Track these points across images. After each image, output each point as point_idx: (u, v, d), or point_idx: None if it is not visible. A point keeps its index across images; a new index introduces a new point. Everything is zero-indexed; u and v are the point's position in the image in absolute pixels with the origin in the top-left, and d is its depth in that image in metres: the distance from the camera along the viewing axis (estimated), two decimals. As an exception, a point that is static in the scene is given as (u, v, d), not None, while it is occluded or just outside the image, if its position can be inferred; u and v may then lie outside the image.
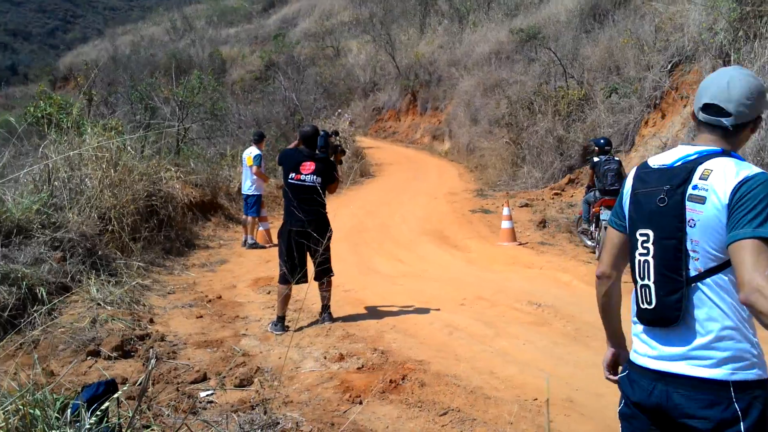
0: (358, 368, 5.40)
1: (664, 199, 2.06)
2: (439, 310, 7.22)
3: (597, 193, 9.98)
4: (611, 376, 2.47)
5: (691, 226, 2.01)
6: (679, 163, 2.10)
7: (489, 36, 26.03)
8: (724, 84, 2.10)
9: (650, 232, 2.09)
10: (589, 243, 10.39)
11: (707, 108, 2.13)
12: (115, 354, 5.46)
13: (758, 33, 10.17)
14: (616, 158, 10.22)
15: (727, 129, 2.10)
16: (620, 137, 13.90)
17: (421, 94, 29.36)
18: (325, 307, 6.78)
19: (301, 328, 6.56)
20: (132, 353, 5.66)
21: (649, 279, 2.09)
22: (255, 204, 11.04)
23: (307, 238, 6.22)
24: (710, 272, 2.01)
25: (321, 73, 31.79)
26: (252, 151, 11.06)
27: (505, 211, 11.33)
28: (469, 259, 10.27)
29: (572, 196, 13.97)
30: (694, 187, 2.01)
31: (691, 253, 2.02)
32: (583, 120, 15.80)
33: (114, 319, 6.32)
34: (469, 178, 19.16)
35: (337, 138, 17.24)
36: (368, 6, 42.51)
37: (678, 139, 11.17)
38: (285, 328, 6.51)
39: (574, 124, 16.02)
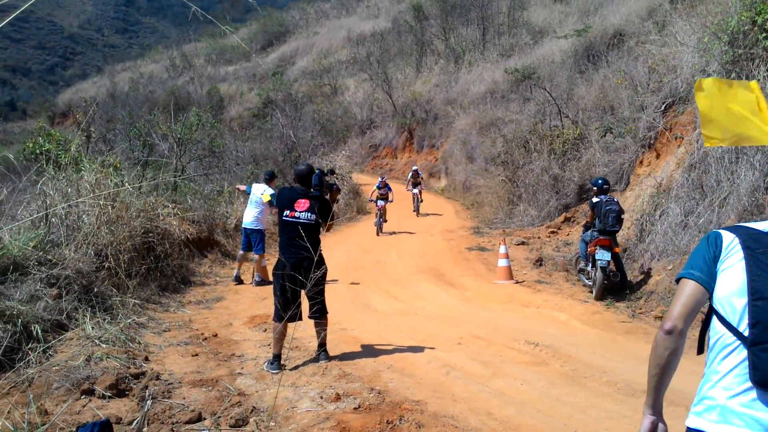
0: (355, 408, 5.34)
1: None
2: (435, 348, 7.18)
3: (595, 233, 10.05)
4: None
5: None
6: None
7: (484, 75, 26.40)
8: None
9: None
10: (586, 282, 10.41)
11: None
12: (109, 393, 5.39)
13: (750, 75, 10.30)
14: (615, 199, 10.34)
15: None
16: (615, 176, 14.00)
17: (417, 132, 29.61)
18: (321, 346, 6.74)
19: (297, 367, 6.51)
20: (126, 392, 5.59)
21: None
22: (261, 240, 11.03)
23: (301, 275, 6.21)
24: None
25: (318, 111, 32.10)
26: (267, 189, 11.04)
27: (502, 249, 11.35)
28: (466, 297, 10.25)
29: (568, 234, 14.01)
30: None
31: None
32: (579, 159, 15.92)
33: (109, 357, 6.26)
34: (465, 216, 19.24)
35: (334, 176, 17.93)
36: (365, 45, 43.18)
37: (673, 179, 11.26)
38: (281, 367, 6.45)
39: (569, 162, 16.14)
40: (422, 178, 21.16)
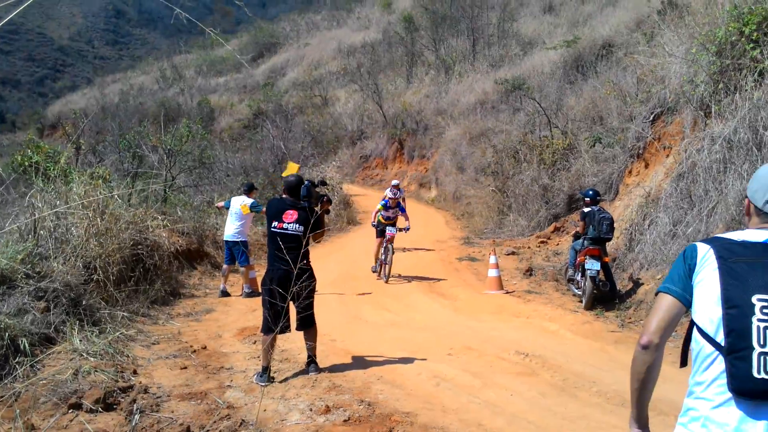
0: (345, 420, 5.32)
1: None
2: (426, 360, 7.17)
3: (585, 242, 10.10)
4: None
5: None
6: None
7: (474, 86, 26.52)
8: None
9: None
10: (576, 291, 10.44)
11: None
12: (97, 407, 5.35)
13: (738, 86, 10.39)
14: (605, 209, 10.45)
15: None
16: (605, 186, 14.07)
17: (408, 143, 29.68)
18: (311, 357, 6.72)
19: (286, 379, 6.48)
20: (114, 406, 5.55)
21: None
22: (244, 252, 11.00)
23: (289, 287, 6.16)
24: None
25: (309, 122, 32.13)
26: (245, 200, 11.05)
27: (492, 259, 11.37)
28: (456, 308, 10.25)
29: (558, 244, 14.05)
30: None
31: None
32: (568, 169, 16.00)
33: (97, 371, 6.22)
34: (455, 226, 19.27)
35: (324, 188, 16.21)
36: (356, 56, 43.33)
37: (661, 189, 11.32)
38: (270, 379, 6.43)
39: (559, 173, 16.22)
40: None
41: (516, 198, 16.97)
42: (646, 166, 13.11)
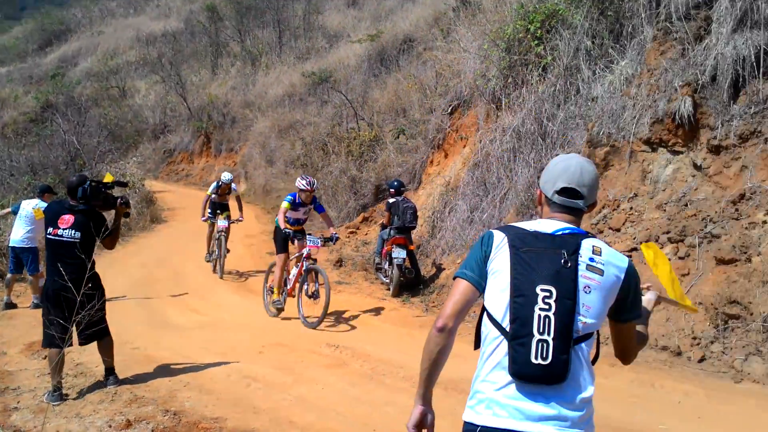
0: (147, 434, 5.01)
1: (568, 262, 2.18)
2: (236, 360, 6.98)
3: (392, 232, 10.39)
4: None
5: (586, 292, 2.19)
6: (560, 233, 2.28)
7: (282, 78, 26.30)
8: (578, 170, 2.37)
9: (554, 290, 2.15)
10: (384, 280, 10.72)
11: (564, 191, 2.36)
12: None
13: (525, 80, 11.21)
14: (409, 199, 10.81)
15: (581, 209, 2.38)
16: (409, 176, 14.59)
17: (215, 136, 28.79)
18: (109, 370, 6.24)
19: (82, 395, 5.98)
20: None
21: (548, 334, 2.12)
22: (34, 259, 9.96)
23: (69, 300, 5.48)
24: (585, 337, 2.19)
25: (105, 115, 29.96)
26: (39, 203, 9.94)
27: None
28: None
29: (367, 234, 14.35)
30: (591, 259, 2.22)
31: (579, 317, 2.16)
32: (375, 160, 16.39)
33: None
34: (266, 220, 18.98)
35: (124, 189, 14.18)
36: (156, 46, 41.14)
37: (460, 178, 11.95)
38: (63, 397, 5.89)
39: (366, 164, 16.55)
40: (237, 194, 13.04)
41: (325, 190, 17.08)
42: (446, 156, 13.78)
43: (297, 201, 9.19)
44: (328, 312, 8.51)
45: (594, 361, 2.30)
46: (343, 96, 18.96)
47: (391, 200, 10.66)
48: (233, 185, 12.91)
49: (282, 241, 9.17)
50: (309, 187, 9.06)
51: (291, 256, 9.30)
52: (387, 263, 10.53)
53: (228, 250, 12.27)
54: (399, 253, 9.97)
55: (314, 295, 8.71)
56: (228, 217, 12.37)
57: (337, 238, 9.26)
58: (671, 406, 5.65)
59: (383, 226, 11.09)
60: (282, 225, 8.85)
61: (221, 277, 11.93)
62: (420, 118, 15.47)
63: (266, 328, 8.55)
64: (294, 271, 9.08)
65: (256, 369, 6.70)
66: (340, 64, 23.11)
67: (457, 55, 14.07)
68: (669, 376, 6.30)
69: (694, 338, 6.76)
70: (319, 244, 8.85)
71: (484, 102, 12.23)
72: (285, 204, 9.16)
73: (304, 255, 8.86)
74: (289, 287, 9.09)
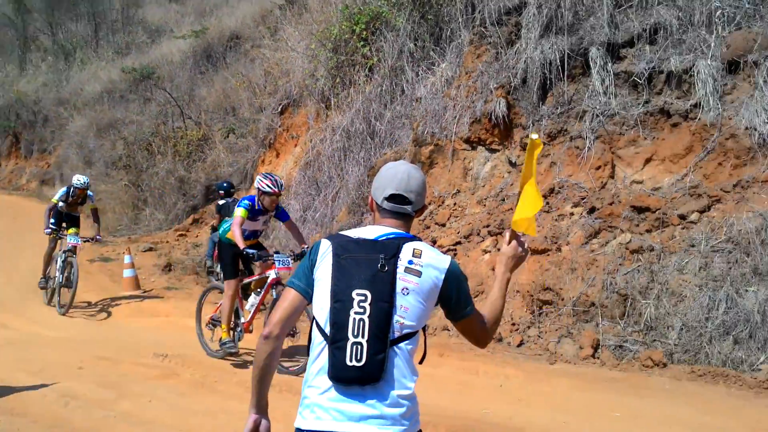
0: (-56, 469, 4.47)
1: (385, 266, 2.22)
2: (53, 379, 6.41)
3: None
4: None
5: (404, 294, 2.22)
6: (383, 238, 2.32)
7: (100, 74, 24.70)
8: (405, 177, 2.42)
9: (368, 294, 2.20)
10: (216, 283, 10.40)
11: (392, 197, 2.41)
12: None
13: (353, 80, 11.39)
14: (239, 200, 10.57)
15: (409, 215, 2.44)
16: (240, 176, 14.31)
17: (24, 136, 26.50)
18: None
19: None
20: None
21: (363, 337, 2.16)
22: None
23: None
24: (405, 337, 2.22)
25: None
26: None
27: (127, 258, 10.83)
28: (89, 316, 9.44)
29: (197, 236, 13.89)
30: (410, 262, 2.26)
31: (397, 318, 2.20)
32: (204, 160, 15.90)
33: None
34: (85, 225, 17.75)
35: None
36: (-47, 36, 37.07)
37: (292, 176, 11.89)
38: None
39: (195, 164, 16.02)
40: (94, 206, 10.83)
41: (152, 192, 16.31)
42: (277, 155, 13.68)
43: (257, 207, 6.83)
44: (155, 317, 8.12)
45: (421, 361, 2.37)
46: (167, 94, 18.17)
47: (221, 202, 10.39)
48: (90, 193, 10.43)
49: (232, 262, 7.12)
50: (276, 189, 6.67)
51: (246, 279, 7.26)
52: (219, 266, 10.23)
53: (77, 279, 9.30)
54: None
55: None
56: (77, 234, 9.93)
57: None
58: (494, 390, 5.98)
59: (213, 229, 10.79)
60: (240, 243, 6.48)
61: (63, 314, 9.36)
62: (250, 117, 15.22)
63: (87, 341, 7.98)
64: (252, 301, 7.06)
65: (76, 386, 6.20)
66: (164, 61, 22.09)
67: (286, 54, 14.00)
68: (492, 361, 6.67)
69: (513, 324, 7.22)
70: (290, 265, 6.65)
71: (314, 102, 12.28)
72: (240, 211, 6.72)
73: (269, 280, 6.71)
74: (245, 321, 7.00)
